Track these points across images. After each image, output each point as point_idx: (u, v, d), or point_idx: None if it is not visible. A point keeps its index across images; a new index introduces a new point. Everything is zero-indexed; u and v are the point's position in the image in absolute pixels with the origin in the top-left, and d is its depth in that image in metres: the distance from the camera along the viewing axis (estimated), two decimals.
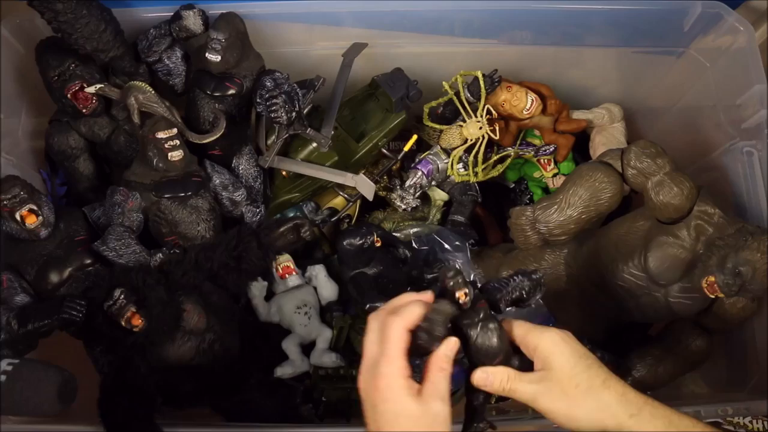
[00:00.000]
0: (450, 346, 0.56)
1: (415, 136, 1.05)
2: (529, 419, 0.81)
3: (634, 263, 0.82)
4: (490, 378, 0.58)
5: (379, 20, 1.00)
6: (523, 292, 0.60)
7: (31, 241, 0.85)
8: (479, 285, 0.61)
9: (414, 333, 0.55)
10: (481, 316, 0.56)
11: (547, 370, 0.57)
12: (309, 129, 0.97)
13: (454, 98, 1.01)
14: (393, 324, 0.55)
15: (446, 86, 1.02)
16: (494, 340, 0.57)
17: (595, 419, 0.55)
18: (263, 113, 0.96)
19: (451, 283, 0.56)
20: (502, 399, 0.96)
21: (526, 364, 0.59)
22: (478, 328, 0.56)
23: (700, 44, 1.01)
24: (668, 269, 0.79)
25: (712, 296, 0.74)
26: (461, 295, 0.56)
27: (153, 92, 0.90)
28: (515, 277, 0.60)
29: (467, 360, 0.59)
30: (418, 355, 0.56)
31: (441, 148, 1.04)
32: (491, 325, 0.57)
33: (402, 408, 0.53)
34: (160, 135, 0.87)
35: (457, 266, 0.60)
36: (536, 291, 0.61)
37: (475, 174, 1.03)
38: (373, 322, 0.57)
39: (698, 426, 0.56)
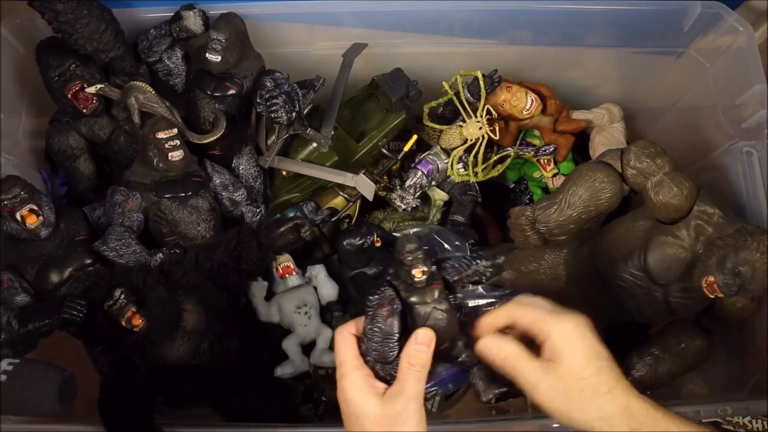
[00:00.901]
0: (420, 338, 0.54)
1: (415, 136, 1.05)
2: (529, 419, 0.81)
3: (634, 263, 0.82)
4: (498, 348, 0.56)
5: (379, 20, 1.00)
6: (483, 278, 0.58)
7: (31, 241, 0.85)
8: (436, 258, 0.58)
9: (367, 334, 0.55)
10: (435, 297, 0.54)
11: (555, 363, 0.54)
12: (309, 129, 0.97)
13: (454, 98, 1.01)
14: (337, 332, 0.57)
15: (446, 86, 1.02)
16: (443, 325, 0.55)
17: (593, 426, 0.53)
18: (263, 113, 0.96)
19: (410, 258, 0.53)
20: (502, 399, 0.97)
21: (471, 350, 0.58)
22: (429, 309, 0.54)
23: (699, 44, 1.01)
24: (668, 269, 0.79)
25: (712, 296, 0.74)
26: (418, 273, 0.53)
27: (153, 92, 0.90)
28: (478, 261, 0.57)
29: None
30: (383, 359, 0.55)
31: (441, 148, 1.04)
32: (442, 308, 0.55)
33: (361, 408, 0.53)
34: (161, 135, 0.87)
35: (415, 242, 0.55)
36: (495, 276, 0.58)
37: (475, 174, 1.03)
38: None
39: None
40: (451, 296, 0.57)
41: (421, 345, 0.54)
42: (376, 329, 0.54)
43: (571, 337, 0.54)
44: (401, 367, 0.54)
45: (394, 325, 0.54)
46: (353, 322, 0.57)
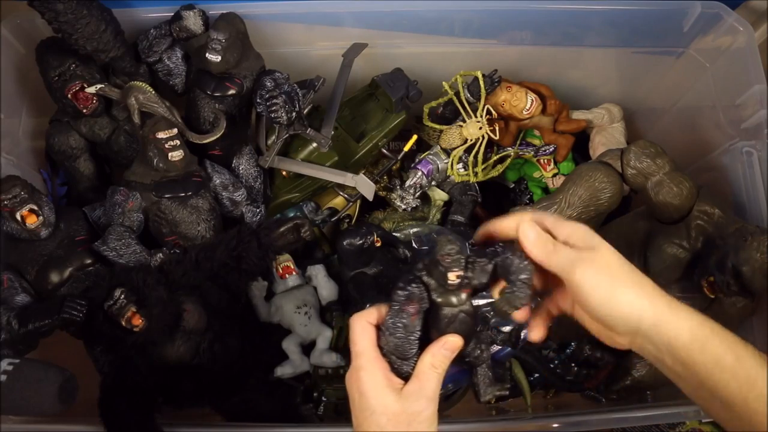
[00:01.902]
0: (449, 345, 0.53)
1: (415, 136, 1.05)
2: (530, 419, 0.81)
3: (634, 263, 0.82)
4: (536, 232, 0.53)
5: (379, 20, 1.00)
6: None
7: (31, 241, 0.85)
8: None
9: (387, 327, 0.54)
10: (463, 300, 0.53)
11: (595, 252, 0.51)
12: (309, 129, 0.97)
13: (454, 98, 1.01)
14: (354, 320, 0.55)
15: (446, 86, 1.02)
16: (465, 328, 0.54)
17: (636, 307, 0.50)
18: (263, 113, 0.96)
19: (448, 261, 0.52)
20: (502, 399, 0.97)
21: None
22: (456, 311, 0.53)
23: (699, 44, 1.01)
24: (668, 269, 0.79)
25: (712, 296, 0.74)
26: (453, 276, 0.52)
27: (153, 92, 0.90)
28: (521, 279, 0.53)
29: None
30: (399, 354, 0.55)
31: (441, 148, 1.04)
32: (467, 311, 0.54)
33: (378, 403, 0.51)
34: (161, 135, 0.87)
35: (456, 243, 0.52)
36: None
37: (475, 174, 1.03)
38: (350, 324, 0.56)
39: (727, 330, 0.52)
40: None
41: (448, 351, 0.53)
42: (399, 324, 0.53)
43: (601, 239, 0.53)
44: (423, 367, 0.53)
45: (418, 322, 0.53)
46: (372, 311, 0.55)
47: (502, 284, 0.55)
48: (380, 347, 0.54)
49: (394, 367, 0.54)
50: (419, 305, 0.53)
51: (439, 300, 0.54)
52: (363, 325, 0.54)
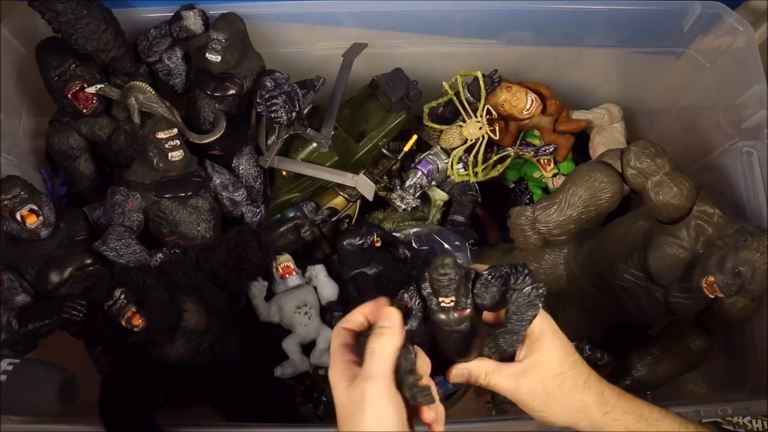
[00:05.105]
0: (383, 315, 0.51)
1: (415, 136, 1.05)
2: (529, 419, 0.81)
3: (634, 263, 0.82)
4: (467, 374, 0.56)
5: (379, 20, 1.00)
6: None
7: (31, 241, 0.85)
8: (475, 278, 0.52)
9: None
10: (460, 322, 0.51)
11: (531, 363, 0.55)
12: (309, 129, 0.97)
13: (454, 98, 1.01)
14: (335, 328, 0.57)
15: (446, 86, 1.02)
16: (462, 342, 0.53)
17: (572, 418, 0.56)
18: (263, 113, 0.96)
19: (440, 285, 0.48)
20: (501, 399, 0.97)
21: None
22: (450, 331, 0.51)
23: (699, 44, 1.01)
24: (668, 269, 0.79)
25: (712, 296, 0.74)
26: (444, 300, 0.49)
27: (153, 92, 0.90)
28: (521, 305, 0.51)
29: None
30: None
31: (441, 148, 1.04)
32: (463, 331, 0.51)
33: (336, 397, 0.52)
34: (161, 135, 0.87)
35: (456, 264, 0.48)
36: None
37: (475, 174, 1.03)
38: None
39: (667, 417, 0.57)
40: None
41: (383, 321, 0.51)
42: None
43: (546, 335, 0.55)
44: (367, 349, 0.51)
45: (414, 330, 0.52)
46: (354, 315, 0.56)
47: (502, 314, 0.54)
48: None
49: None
50: (405, 318, 0.52)
51: (434, 317, 0.52)
52: (337, 330, 0.56)
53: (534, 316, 0.52)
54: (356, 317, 0.56)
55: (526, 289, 0.50)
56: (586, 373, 0.56)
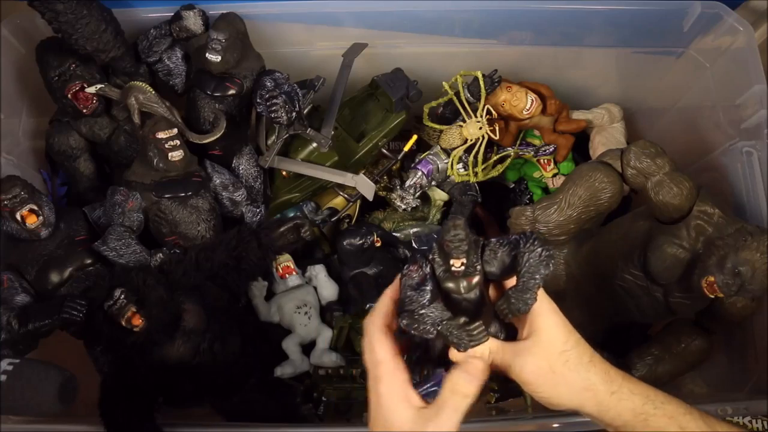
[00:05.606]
0: (468, 368, 0.52)
1: (415, 136, 1.06)
2: (530, 419, 0.81)
3: (634, 263, 0.82)
4: (477, 353, 0.55)
5: (379, 20, 1.00)
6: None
7: (31, 241, 0.85)
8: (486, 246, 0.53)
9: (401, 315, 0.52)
10: (470, 288, 0.52)
11: (534, 341, 0.54)
12: (309, 129, 0.97)
13: (454, 98, 1.01)
14: (368, 325, 0.54)
15: (446, 86, 1.02)
16: (471, 309, 0.53)
17: (578, 398, 0.54)
18: (263, 113, 0.96)
19: (451, 246, 0.50)
20: (501, 398, 0.97)
21: (508, 330, 0.56)
22: (460, 299, 0.52)
23: (699, 44, 1.01)
24: (668, 269, 0.79)
25: (712, 296, 0.74)
26: (456, 263, 0.51)
27: (153, 92, 0.90)
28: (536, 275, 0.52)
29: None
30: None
31: (441, 148, 1.04)
32: (472, 299, 0.52)
33: (394, 418, 0.51)
34: (161, 135, 0.88)
35: (467, 226, 0.50)
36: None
37: (475, 174, 1.03)
38: (364, 326, 0.56)
39: (673, 401, 0.55)
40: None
41: (468, 375, 0.52)
42: (409, 292, 0.52)
43: (550, 313, 0.55)
44: (443, 391, 0.52)
45: (427, 285, 0.52)
46: (383, 309, 0.54)
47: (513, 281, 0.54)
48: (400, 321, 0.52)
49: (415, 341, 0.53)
50: (422, 270, 0.52)
51: (444, 285, 0.52)
52: (382, 331, 0.54)
53: (546, 275, 0.52)
54: (383, 304, 0.55)
55: (538, 249, 0.52)
56: (590, 351, 0.55)
